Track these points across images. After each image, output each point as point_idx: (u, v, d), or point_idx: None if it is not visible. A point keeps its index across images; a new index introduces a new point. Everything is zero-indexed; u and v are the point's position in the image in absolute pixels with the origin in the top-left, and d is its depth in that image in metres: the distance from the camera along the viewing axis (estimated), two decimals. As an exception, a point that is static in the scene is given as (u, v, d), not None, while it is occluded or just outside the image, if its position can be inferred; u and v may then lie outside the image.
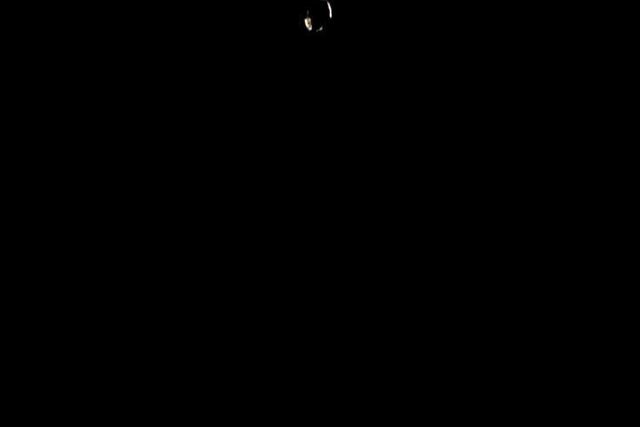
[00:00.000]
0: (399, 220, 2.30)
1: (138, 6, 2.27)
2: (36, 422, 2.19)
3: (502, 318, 2.26)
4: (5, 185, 2.26)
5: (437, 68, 2.29)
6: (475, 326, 2.26)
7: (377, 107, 2.31)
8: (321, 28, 2.10)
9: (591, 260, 2.25)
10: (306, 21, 2.07)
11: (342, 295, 2.29)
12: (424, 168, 2.30)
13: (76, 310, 2.25)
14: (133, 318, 2.26)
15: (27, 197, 2.26)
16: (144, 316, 2.26)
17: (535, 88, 2.29)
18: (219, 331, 2.27)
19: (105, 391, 2.21)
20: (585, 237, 2.26)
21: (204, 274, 2.29)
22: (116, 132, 2.29)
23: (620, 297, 2.23)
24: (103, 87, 2.29)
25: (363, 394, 2.23)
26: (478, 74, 2.29)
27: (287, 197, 2.31)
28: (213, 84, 2.31)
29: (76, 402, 2.20)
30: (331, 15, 2.10)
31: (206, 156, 2.30)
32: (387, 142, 2.30)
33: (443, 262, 2.29)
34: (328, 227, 2.31)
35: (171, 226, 2.30)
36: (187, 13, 2.28)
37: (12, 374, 2.20)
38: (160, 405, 2.22)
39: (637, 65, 2.25)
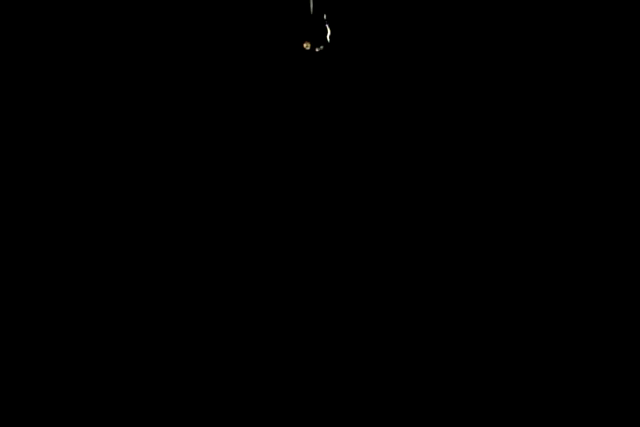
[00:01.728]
0: (397, 225, 2.35)
1: (155, 21, 2.38)
2: (36, 421, 2.16)
3: (501, 316, 2.28)
4: (5, 185, 2.27)
5: (429, 80, 2.37)
6: (474, 324, 2.28)
7: (373, 114, 2.37)
8: (321, 48, 2.22)
9: (590, 259, 2.28)
10: (304, 45, 2.17)
11: (341, 294, 2.31)
12: (415, 175, 2.37)
13: (76, 309, 2.26)
14: (133, 317, 2.26)
15: (27, 198, 2.27)
16: (143, 314, 2.27)
17: (525, 113, 2.34)
18: (218, 329, 2.28)
19: (104, 390, 2.20)
20: (584, 236, 2.29)
21: (204, 274, 2.31)
22: (119, 137, 2.35)
23: (619, 296, 2.26)
24: (111, 100, 2.34)
25: (362, 393, 2.23)
26: (469, 91, 2.37)
27: (284, 205, 2.37)
28: (216, 88, 2.38)
29: (75, 401, 2.18)
30: (329, 36, 2.22)
31: (212, 164, 2.36)
32: (382, 149, 2.37)
33: (441, 261, 2.32)
34: (326, 230, 2.36)
35: (170, 226, 2.32)
36: (197, 35, 2.37)
37: (12, 373, 2.19)
38: (159, 404, 2.20)
39: (637, 65, 2.28)
